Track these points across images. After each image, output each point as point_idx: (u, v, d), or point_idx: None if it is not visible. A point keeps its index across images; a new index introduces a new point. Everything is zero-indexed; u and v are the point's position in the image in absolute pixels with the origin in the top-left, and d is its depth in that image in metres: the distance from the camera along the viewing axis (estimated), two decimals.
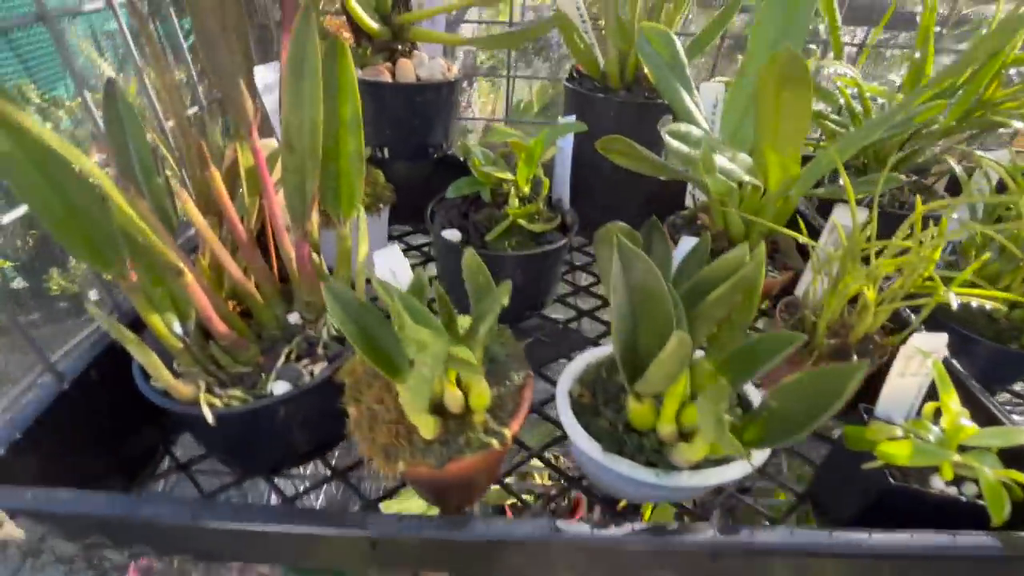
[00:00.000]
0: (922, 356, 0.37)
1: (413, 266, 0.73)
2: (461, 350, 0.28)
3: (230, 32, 0.34)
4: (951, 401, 0.34)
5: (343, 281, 0.43)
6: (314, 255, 0.44)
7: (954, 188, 0.71)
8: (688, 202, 0.69)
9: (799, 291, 0.54)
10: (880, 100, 0.66)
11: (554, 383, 0.56)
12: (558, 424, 0.48)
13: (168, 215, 0.39)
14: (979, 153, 0.56)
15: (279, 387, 0.39)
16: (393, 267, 0.40)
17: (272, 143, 0.49)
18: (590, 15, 0.72)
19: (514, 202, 0.58)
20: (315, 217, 0.42)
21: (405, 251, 0.77)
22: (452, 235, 0.58)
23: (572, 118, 0.61)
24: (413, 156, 0.72)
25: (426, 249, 0.78)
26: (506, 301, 0.31)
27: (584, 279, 0.78)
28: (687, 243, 0.46)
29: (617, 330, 0.31)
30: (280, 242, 0.41)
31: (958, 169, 0.57)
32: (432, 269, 0.78)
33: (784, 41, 0.54)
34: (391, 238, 0.79)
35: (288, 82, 0.34)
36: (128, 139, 0.35)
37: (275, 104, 0.58)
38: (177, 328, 0.37)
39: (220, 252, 0.37)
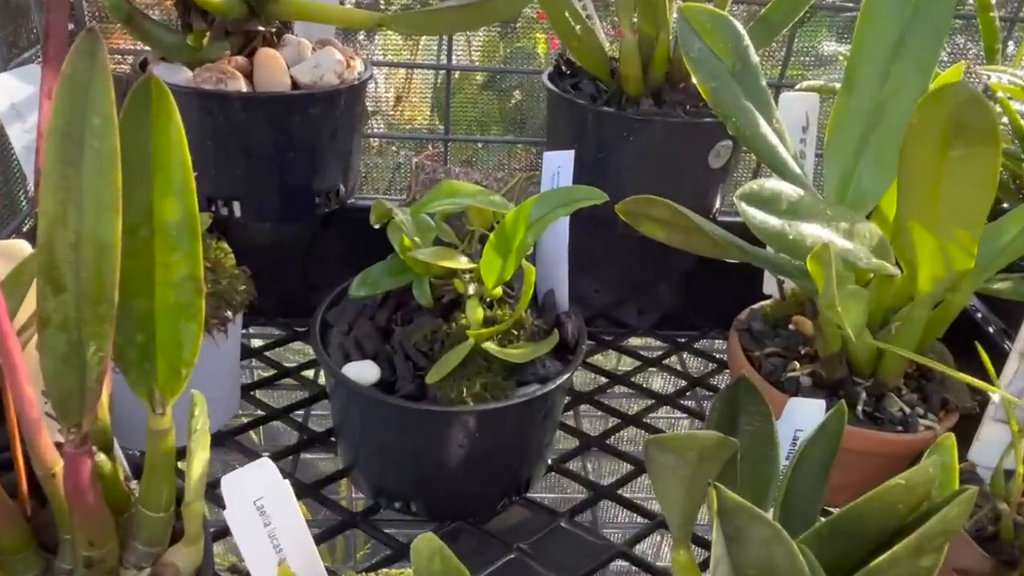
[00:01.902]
0: None
1: (290, 408, 0.70)
2: None
3: None
4: None
5: (159, 512, 0.37)
6: (102, 459, 0.38)
7: None
8: (770, 288, 0.67)
9: (976, 458, 0.51)
10: None
11: None
12: None
13: None
14: None
15: None
16: (262, 495, 0.34)
17: (19, 248, 0.43)
18: None
19: (475, 311, 0.54)
20: (105, 397, 0.36)
21: (274, 380, 0.71)
22: (363, 373, 0.54)
23: (566, 158, 0.59)
24: (286, 214, 0.69)
25: (310, 373, 0.73)
26: None
27: (593, 421, 0.75)
28: (801, 409, 0.42)
29: None
30: (34, 449, 0.35)
31: None
32: (321, 412, 0.73)
33: (911, 39, 0.54)
34: (249, 354, 0.74)
35: (50, 167, 0.29)
36: None
37: (30, 144, 0.53)
38: None
39: None
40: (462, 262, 0.55)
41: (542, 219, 0.51)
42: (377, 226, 0.59)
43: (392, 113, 1.20)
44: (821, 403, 0.44)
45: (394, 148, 1.16)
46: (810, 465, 0.38)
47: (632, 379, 0.75)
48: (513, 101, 1.26)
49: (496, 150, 1.14)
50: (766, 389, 0.56)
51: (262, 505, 0.34)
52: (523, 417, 0.54)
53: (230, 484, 0.34)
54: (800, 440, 0.41)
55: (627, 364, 0.79)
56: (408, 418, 0.52)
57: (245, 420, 0.67)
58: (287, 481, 0.35)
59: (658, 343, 0.83)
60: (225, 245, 0.63)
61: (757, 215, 0.46)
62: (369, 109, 1.03)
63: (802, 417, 0.43)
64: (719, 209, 0.75)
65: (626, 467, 0.66)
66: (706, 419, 0.40)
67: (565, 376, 0.54)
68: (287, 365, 0.73)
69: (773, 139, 0.56)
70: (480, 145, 1.13)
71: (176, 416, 0.37)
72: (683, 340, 0.82)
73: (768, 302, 0.66)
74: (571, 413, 0.72)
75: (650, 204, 0.52)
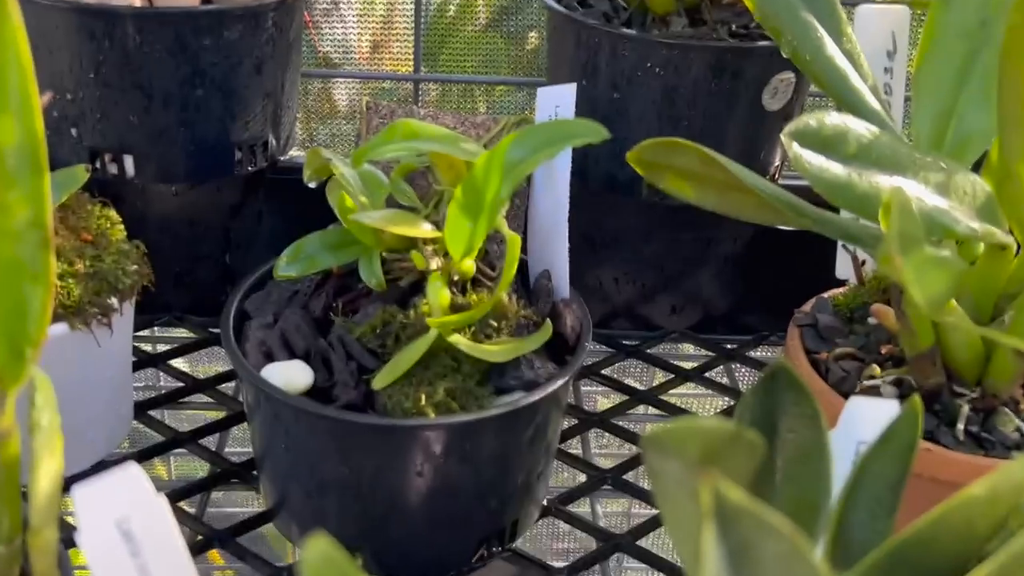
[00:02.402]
0: None
1: (199, 433, 0.70)
2: None
3: None
4: None
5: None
6: None
7: None
8: (844, 270, 0.67)
9: None
10: None
11: None
12: None
13: None
14: None
15: None
16: (127, 514, 0.34)
17: None
18: None
19: (439, 292, 0.54)
20: None
21: (178, 396, 0.72)
22: (290, 376, 0.54)
23: (566, 94, 0.59)
24: (196, 172, 0.70)
25: (228, 388, 0.74)
26: None
27: (610, 449, 0.74)
28: (864, 412, 0.42)
29: None
30: None
31: None
32: (239, 436, 0.73)
33: None
34: (148, 362, 0.75)
35: None
36: None
37: None
38: None
39: None
40: (423, 230, 0.55)
41: (524, 163, 0.50)
42: (313, 185, 0.60)
43: (365, 65, 1.21)
44: (893, 404, 0.43)
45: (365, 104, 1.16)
46: (873, 485, 0.37)
47: (662, 397, 0.75)
48: (529, 45, 1.26)
49: (504, 105, 1.14)
50: (830, 400, 0.56)
51: (128, 529, 0.34)
52: (504, 435, 0.54)
53: (84, 499, 0.34)
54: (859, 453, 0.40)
55: (658, 377, 0.79)
56: (349, 436, 0.52)
57: (136, 450, 0.68)
58: (163, 496, 0.35)
59: (699, 351, 0.83)
60: (113, 213, 0.64)
61: (814, 160, 0.46)
62: (336, 60, 1.05)
63: (867, 423, 0.42)
64: (781, 167, 0.75)
65: (650, 510, 0.66)
66: (735, 419, 0.40)
67: (560, 382, 0.54)
68: (199, 377, 0.74)
69: (842, 63, 0.56)
70: (480, 97, 1.13)
71: (21, 417, 0.37)
72: (733, 347, 0.82)
73: (841, 290, 0.66)
74: (578, 440, 0.71)
75: (673, 150, 0.52)
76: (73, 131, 0.67)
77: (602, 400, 0.81)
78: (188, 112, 0.66)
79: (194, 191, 0.75)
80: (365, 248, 0.57)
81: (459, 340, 0.53)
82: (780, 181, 0.75)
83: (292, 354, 0.56)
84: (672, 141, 0.52)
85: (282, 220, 0.77)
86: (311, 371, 0.55)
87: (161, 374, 0.79)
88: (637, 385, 0.79)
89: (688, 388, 0.79)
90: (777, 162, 0.74)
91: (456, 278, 0.55)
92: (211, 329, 0.77)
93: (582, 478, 0.68)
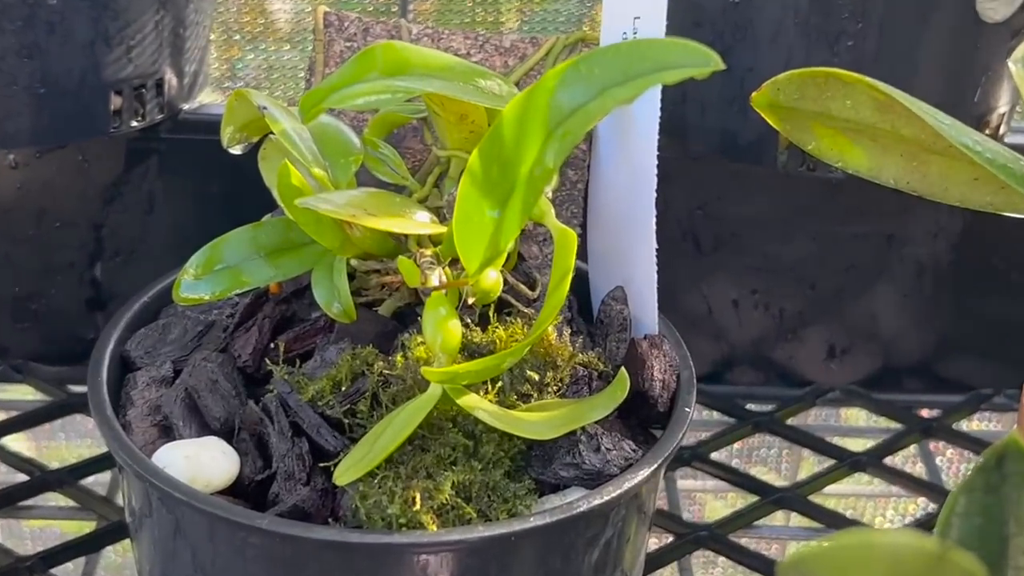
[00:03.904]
0: None
1: (45, 559, 0.70)
2: None
3: None
4: None
5: None
6: None
7: None
8: None
9: None
10: None
11: None
12: None
13: None
14: None
15: None
16: None
17: None
18: None
19: (443, 326, 0.54)
20: None
21: (17, 497, 0.73)
22: (202, 463, 0.55)
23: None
24: (48, 130, 0.70)
25: (97, 483, 0.75)
26: None
27: (715, 572, 0.75)
28: None
29: None
30: None
31: None
32: (118, 562, 0.74)
33: None
34: None
35: None
36: None
37: None
38: None
39: None
40: (417, 221, 0.55)
41: (582, 112, 0.50)
42: (238, 150, 0.60)
43: None
44: None
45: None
46: None
47: (812, 498, 0.74)
48: None
49: (544, 17, 1.15)
50: None
51: None
52: (551, 560, 0.54)
53: None
54: None
55: (807, 466, 0.79)
56: (298, 561, 0.53)
57: None
58: None
59: (875, 421, 0.83)
60: None
61: None
62: None
63: None
64: (1010, 116, 0.75)
65: None
66: (936, 532, 0.40)
67: (644, 472, 0.54)
68: (50, 466, 0.74)
69: None
70: (506, 4, 1.14)
71: None
72: (931, 415, 0.82)
73: None
74: (673, 569, 0.71)
75: (828, 88, 0.53)
76: None
77: (713, 503, 0.80)
78: (34, 33, 0.66)
79: (44, 162, 0.76)
80: (322, 253, 0.58)
81: (477, 404, 0.53)
82: (1007, 138, 0.75)
83: (204, 427, 0.56)
84: (827, 72, 0.52)
85: (187, 208, 0.78)
86: (235, 455, 0.55)
87: None
88: (772, 478, 0.78)
89: (858, 483, 0.79)
90: (1004, 107, 0.74)
91: (471, 301, 0.55)
92: (71, 387, 0.77)
93: None
